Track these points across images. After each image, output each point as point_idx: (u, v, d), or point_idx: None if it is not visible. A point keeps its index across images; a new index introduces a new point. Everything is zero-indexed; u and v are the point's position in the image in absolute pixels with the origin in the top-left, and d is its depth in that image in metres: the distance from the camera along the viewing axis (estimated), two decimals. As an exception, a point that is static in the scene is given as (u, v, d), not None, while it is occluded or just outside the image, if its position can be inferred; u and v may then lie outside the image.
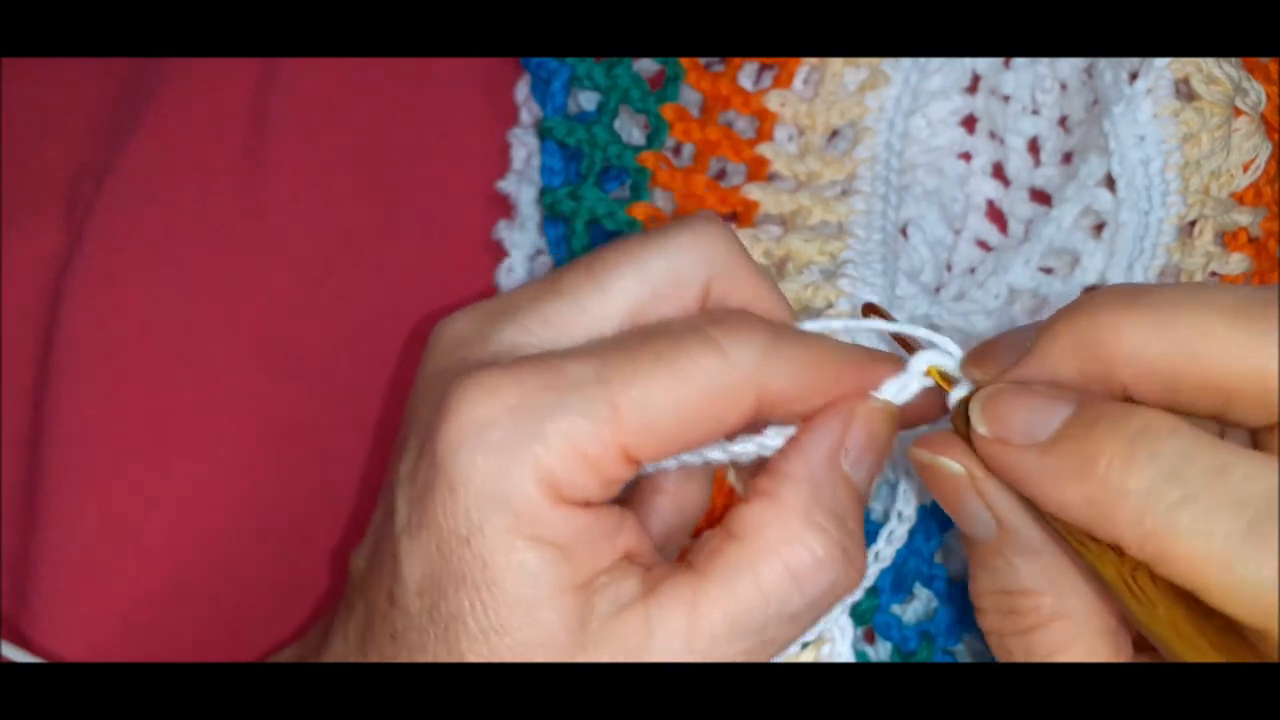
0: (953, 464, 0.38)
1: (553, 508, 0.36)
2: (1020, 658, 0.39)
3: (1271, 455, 0.34)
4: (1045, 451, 0.36)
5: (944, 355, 0.40)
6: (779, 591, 0.37)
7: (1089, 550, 0.36)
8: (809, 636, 0.44)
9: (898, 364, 0.40)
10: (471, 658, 0.36)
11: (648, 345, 0.37)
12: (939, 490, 0.39)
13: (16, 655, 0.43)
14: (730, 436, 0.40)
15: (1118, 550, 0.35)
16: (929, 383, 0.40)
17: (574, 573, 0.36)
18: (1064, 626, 0.38)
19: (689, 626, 0.36)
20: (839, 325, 0.43)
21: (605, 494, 0.37)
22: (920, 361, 0.40)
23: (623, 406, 0.36)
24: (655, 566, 0.38)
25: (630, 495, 0.42)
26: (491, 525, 0.35)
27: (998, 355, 0.39)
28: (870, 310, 0.43)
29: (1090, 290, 0.39)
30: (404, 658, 0.37)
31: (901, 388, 0.40)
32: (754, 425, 0.39)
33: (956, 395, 0.39)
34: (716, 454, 0.40)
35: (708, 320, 0.38)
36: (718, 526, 0.38)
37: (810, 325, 0.41)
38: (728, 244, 0.40)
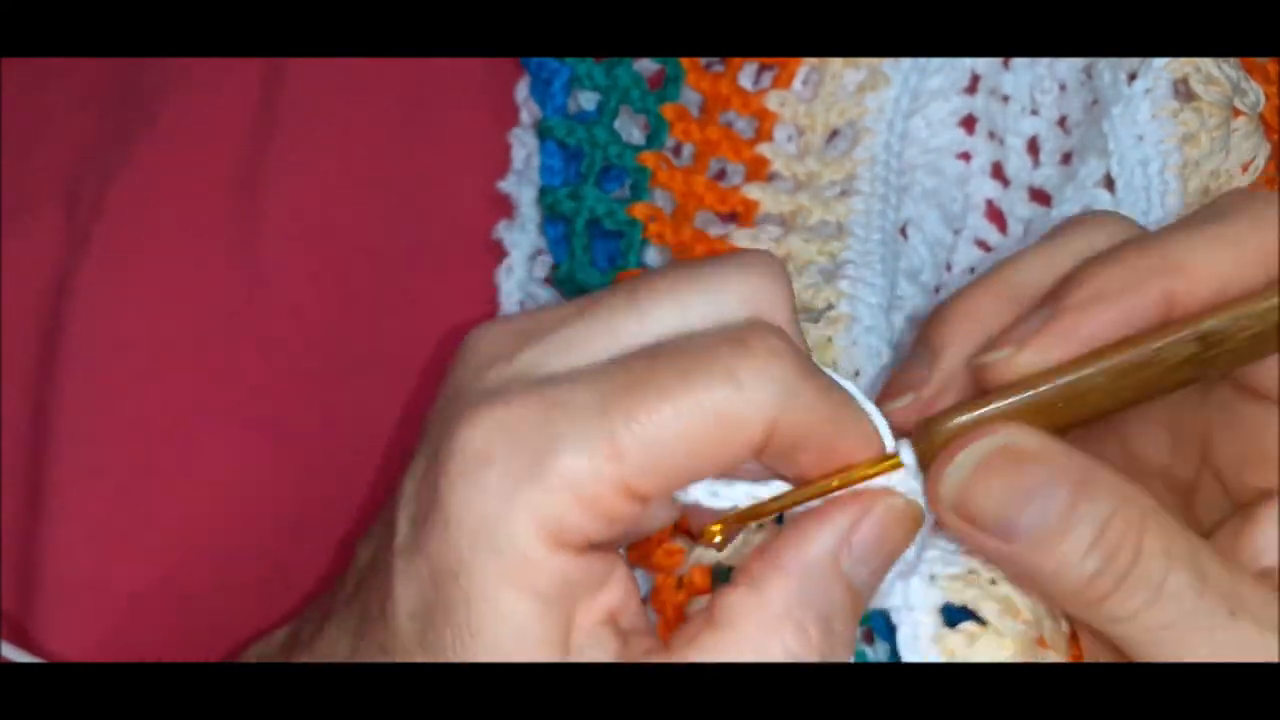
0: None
1: (548, 554, 0.34)
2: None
3: None
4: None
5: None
6: None
7: None
8: None
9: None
10: None
11: (655, 374, 0.35)
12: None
13: (18, 656, 0.43)
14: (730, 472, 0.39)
15: None
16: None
17: (554, 628, 0.35)
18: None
19: None
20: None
21: (610, 533, 0.35)
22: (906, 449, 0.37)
23: (624, 441, 0.34)
24: (634, 635, 0.37)
25: None
26: (480, 566, 0.34)
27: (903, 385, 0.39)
28: None
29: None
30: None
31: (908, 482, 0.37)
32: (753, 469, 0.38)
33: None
34: (703, 496, 0.38)
35: (727, 344, 0.35)
36: (703, 610, 0.37)
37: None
38: (778, 290, 0.38)
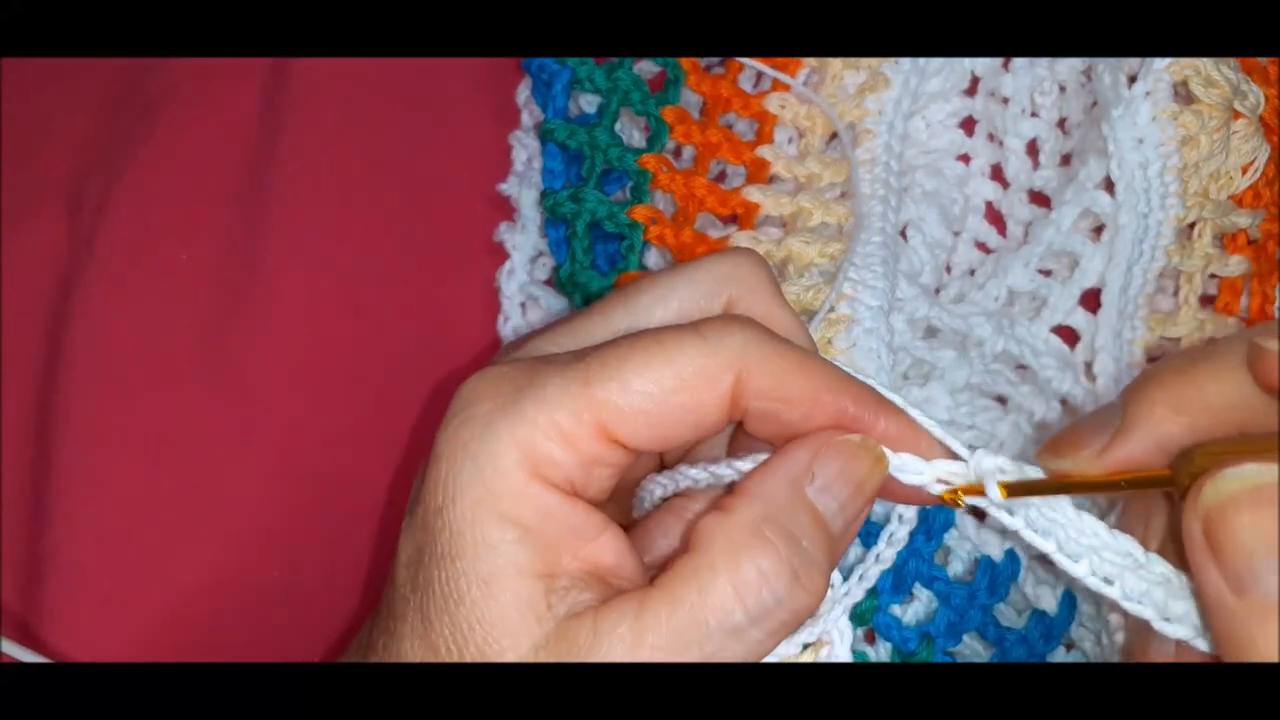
0: None
1: (527, 481, 0.36)
2: None
3: None
4: None
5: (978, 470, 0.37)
6: (720, 604, 0.36)
7: None
8: (807, 637, 0.44)
9: (893, 413, 0.38)
10: (439, 625, 0.36)
11: (633, 338, 0.37)
12: None
13: (23, 655, 0.43)
14: (712, 447, 0.40)
15: None
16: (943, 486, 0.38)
17: (535, 559, 0.36)
18: None
19: (633, 636, 0.35)
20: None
21: (586, 476, 0.36)
22: (938, 469, 0.37)
23: (597, 381, 0.36)
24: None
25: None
26: (464, 496, 0.36)
27: (1080, 438, 0.37)
28: None
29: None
30: (392, 629, 0.37)
31: (917, 474, 0.38)
32: (737, 441, 0.40)
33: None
34: (700, 474, 0.39)
35: (697, 320, 0.38)
36: (681, 539, 0.38)
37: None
38: (753, 269, 0.40)
